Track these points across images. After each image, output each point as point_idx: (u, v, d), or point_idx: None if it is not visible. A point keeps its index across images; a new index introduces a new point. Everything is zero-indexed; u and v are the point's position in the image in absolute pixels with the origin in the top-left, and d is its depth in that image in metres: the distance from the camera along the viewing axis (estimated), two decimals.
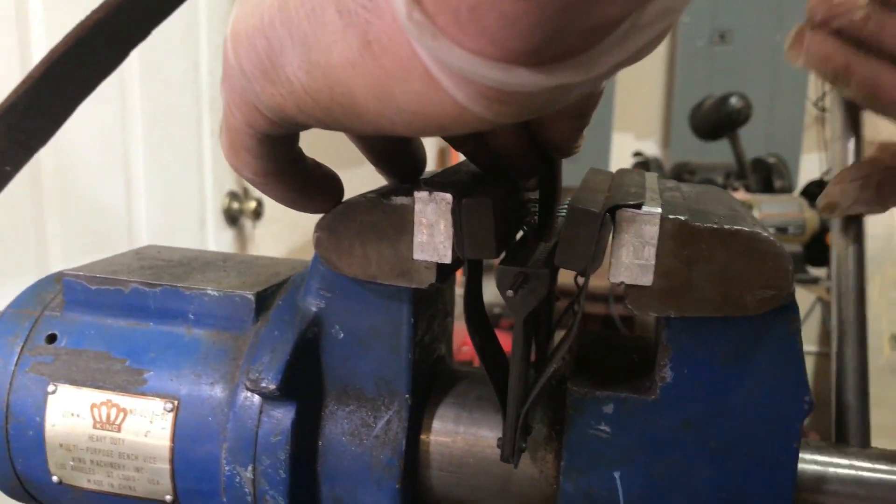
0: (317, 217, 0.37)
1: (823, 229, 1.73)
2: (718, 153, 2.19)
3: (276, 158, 0.32)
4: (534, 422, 0.40)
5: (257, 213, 1.80)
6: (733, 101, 1.78)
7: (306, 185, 0.35)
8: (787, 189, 1.96)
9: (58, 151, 1.27)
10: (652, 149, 3.02)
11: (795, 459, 0.36)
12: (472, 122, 0.24)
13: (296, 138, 0.33)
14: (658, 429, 0.38)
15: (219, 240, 1.74)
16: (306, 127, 0.30)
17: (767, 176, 1.99)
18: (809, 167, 2.75)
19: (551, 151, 0.37)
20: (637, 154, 2.23)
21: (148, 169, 1.52)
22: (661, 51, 2.95)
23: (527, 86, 0.22)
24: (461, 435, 0.41)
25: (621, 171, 0.43)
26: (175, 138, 1.62)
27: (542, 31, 0.21)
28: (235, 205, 1.78)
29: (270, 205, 1.87)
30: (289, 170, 0.34)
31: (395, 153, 0.38)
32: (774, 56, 2.82)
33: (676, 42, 2.88)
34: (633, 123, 2.96)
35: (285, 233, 1.97)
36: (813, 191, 1.88)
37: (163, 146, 1.56)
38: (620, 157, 2.74)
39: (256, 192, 1.86)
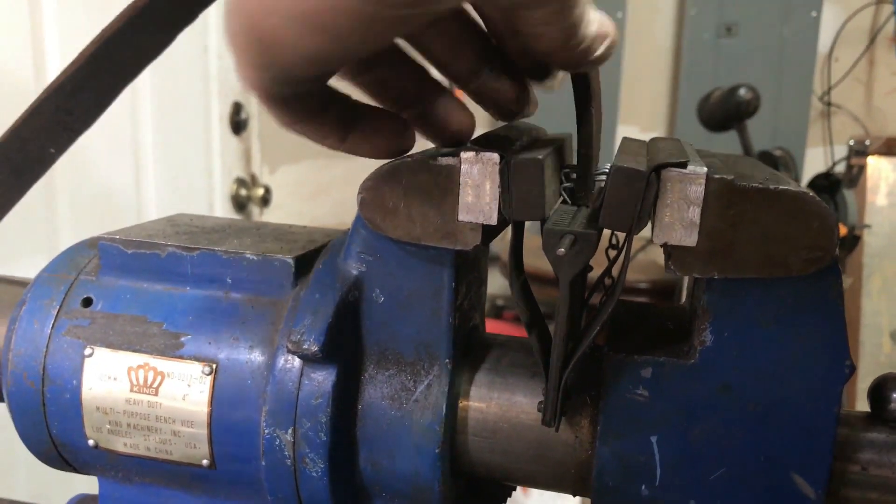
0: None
1: None
2: (723, 146, 2.19)
3: None
4: (570, 388, 0.41)
5: (265, 201, 1.80)
6: (742, 92, 1.78)
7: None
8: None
9: None
10: None
11: (835, 425, 0.37)
12: (360, 24, 0.25)
13: None
14: (696, 393, 0.38)
15: None
16: None
17: (774, 169, 2.00)
18: (815, 161, 2.75)
19: (555, 65, 0.35)
20: None
21: (157, 154, 1.52)
22: (666, 43, 2.95)
23: None
24: (495, 400, 0.42)
25: (655, 139, 0.44)
26: (184, 124, 1.62)
27: None
28: (243, 192, 1.78)
29: (278, 192, 1.87)
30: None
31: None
32: (781, 49, 2.82)
33: (682, 35, 2.87)
34: (639, 116, 2.96)
35: (292, 220, 1.97)
36: (819, 183, 1.88)
37: (171, 132, 1.56)
38: None
39: (264, 179, 1.86)
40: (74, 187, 1.32)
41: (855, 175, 1.96)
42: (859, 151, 1.99)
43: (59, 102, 0.46)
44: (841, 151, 2.31)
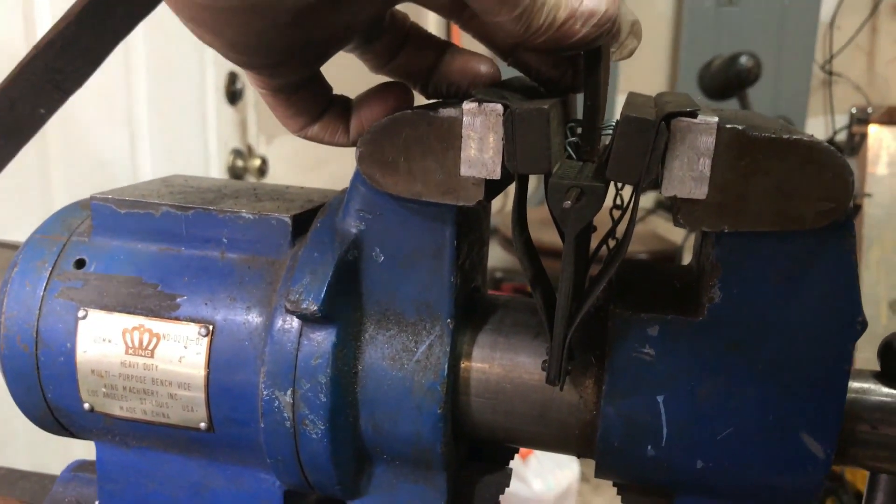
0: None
1: None
2: None
3: None
4: (574, 347, 0.40)
5: (262, 171, 1.79)
6: (743, 60, 1.76)
7: None
8: None
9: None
10: None
11: (846, 382, 0.36)
12: None
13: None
14: (704, 351, 0.37)
15: None
16: None
17: None
18: (816, 129, 2.73)
19: (539, 51, 0.35)
20: None
21: (152, 125, 1.50)
22: (667, 12, 2.92)
23: None
24: (498, 361, 0.41)
25: (662, 93, 0.42)
26: (179, 94, 1.60)
27: None
28: (240, 163, 1.76)
29: (274, 163, 1.85)
30: None
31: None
32: (781, 18, 2.79)
33: (683, 3, 2.84)
34: (639, 85, 2.93)
35: None
36: None
37: (166, 102, 1.54)
38: None
39: (261, 150, 1.84)
40: (69, 159, 1.31)
41: (856, 144, 1.95)
42: (861, 120, 1.97)
43: (49, 61, 0.45)
44: (842, 120, 2.29)
